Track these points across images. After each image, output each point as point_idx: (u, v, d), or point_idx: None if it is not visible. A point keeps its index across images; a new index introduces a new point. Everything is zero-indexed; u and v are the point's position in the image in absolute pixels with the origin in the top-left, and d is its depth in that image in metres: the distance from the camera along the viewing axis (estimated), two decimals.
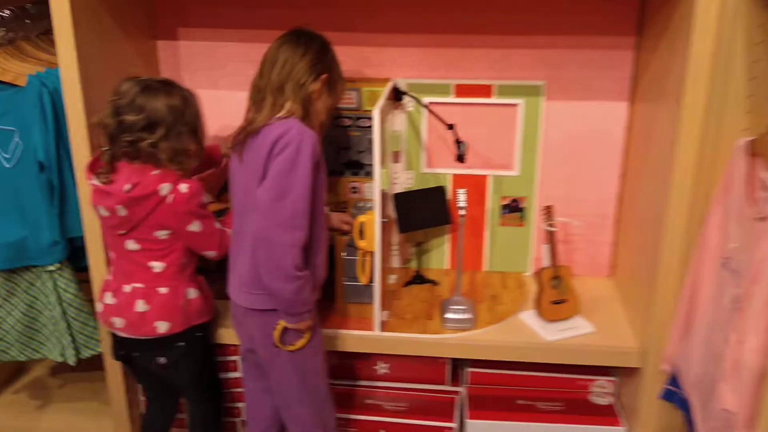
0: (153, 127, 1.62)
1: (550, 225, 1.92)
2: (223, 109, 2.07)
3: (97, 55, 1.79)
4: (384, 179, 1.75)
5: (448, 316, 1.93)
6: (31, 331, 2.00)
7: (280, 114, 1.64)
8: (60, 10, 1.65)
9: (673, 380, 1.71)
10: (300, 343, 1.69)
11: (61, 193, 1.85)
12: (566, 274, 1.94)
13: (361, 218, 1.83)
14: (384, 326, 1.93)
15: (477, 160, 2.14)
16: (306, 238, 1.59)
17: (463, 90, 2.07)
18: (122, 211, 1.64)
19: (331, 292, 1.98)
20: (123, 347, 1.79)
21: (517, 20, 2.00)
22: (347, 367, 2.10)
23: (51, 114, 1.78)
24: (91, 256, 1.86)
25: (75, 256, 1.95)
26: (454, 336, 1.90)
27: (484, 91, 2.07)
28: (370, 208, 1.83)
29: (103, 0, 1.79)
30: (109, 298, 1.74)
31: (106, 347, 1.97)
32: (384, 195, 1.84)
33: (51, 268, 1.91)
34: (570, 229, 2.16)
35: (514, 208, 2.17)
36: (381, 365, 2.10)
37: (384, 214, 1.84)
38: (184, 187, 1.66)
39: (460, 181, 2.15)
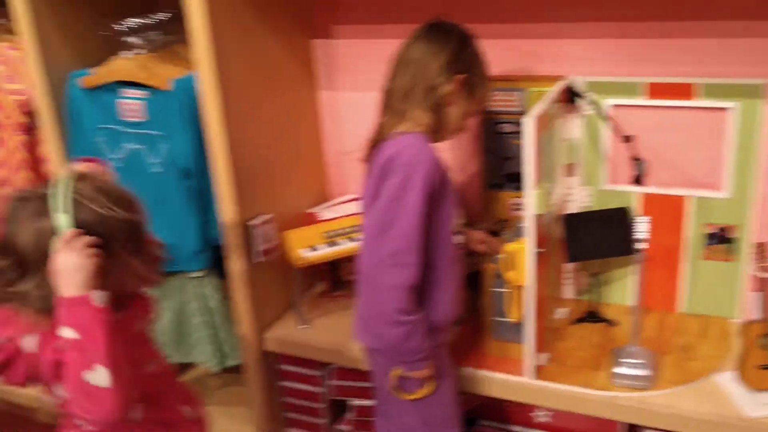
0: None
1: (763, 268, 1.48)
2: None
3: (239, 57, 1.69)
4: (540, 202, 1.45)
5: (620, 370, 1.57)
6: (181, 335, 1.99)
7: (403, 126, 1.41)
8: (196, 10, 1.57)
9: None
10: (422, 392, 1.46)
11: (204, 200, 1.80)
12: None
13: (510, 247, 1.54)
14: (539, 373, 1.63)
15: (674, 177, 1.72)
16: (416, 278, 1.35)
17: (657, 90, 1.67)
18: None
19: (478, 324, 1.73)
20: None
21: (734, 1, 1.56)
22: (500, 408, 1.82)
23: (194, 119, 1.72)
24: (231, 265, 1.80)
25: (222, 264, 1.89)
26: (625, 395, 1.55)
27: (686, 91, 1.65)
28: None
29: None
30: None
31: (248, 360, 1.91)
32: (541, 219, 1.53)
33: (196, 275, 1.88)
34: None
35: (721, 239, 1.72)
36: (541, 412, 1.79)
37: (540, 243, 1.53)
38: None
39: (650, 202, 1.75)
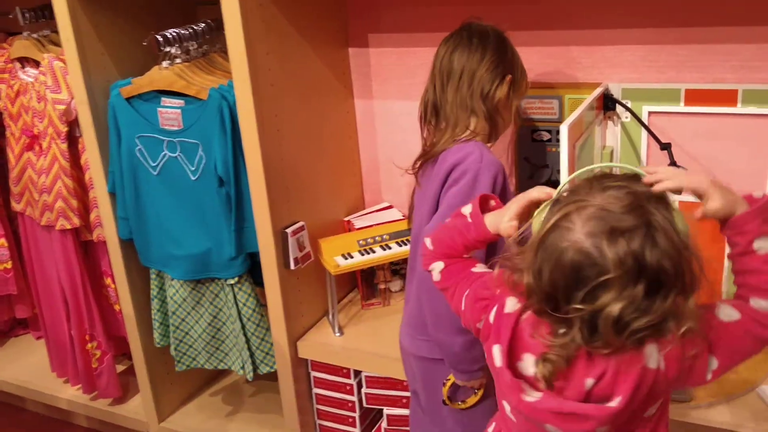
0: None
1: None
2: (415, 123, 1.86)
3: (275, 66, 1.71)
4: None
5: None
6: (216, 341, 2.02)
7: (463, 135, 1.41)
8: (233, 20, 1.60)
9: None
10: (471, 400, 1.46)
11: (240, 208, 1.82)
12: None
13: None
14: None
15: None
16: None
17: (696, 96, 1.65)
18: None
19: None
20: None
21: None
22: None
23: (230, 128, 1.74)
24: (265, 272, 1.81)
25: (256, 271, 1.91)
26: None
27: (726, 97, 1.62)
28: None
29: (284, 9, 1.72)
30: None
31: (282, 367, 1.91)
32: None
33: (231, 281, 1.90)
34: None
35: None
36: None
37: None
38: None
39: (687, 211, 1.72)
